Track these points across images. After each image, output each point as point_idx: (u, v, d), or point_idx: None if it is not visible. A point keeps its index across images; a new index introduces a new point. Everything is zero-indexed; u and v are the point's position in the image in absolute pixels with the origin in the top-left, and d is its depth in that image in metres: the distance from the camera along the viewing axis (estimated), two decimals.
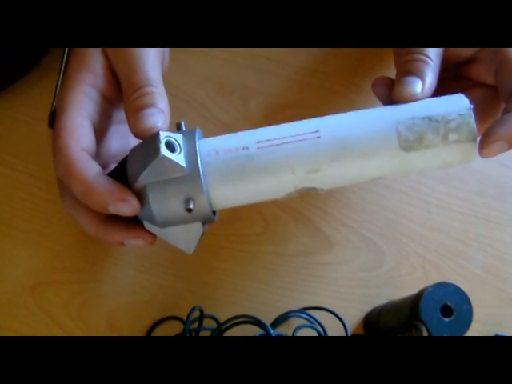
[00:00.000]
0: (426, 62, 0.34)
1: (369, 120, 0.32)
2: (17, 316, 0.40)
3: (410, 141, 0.31)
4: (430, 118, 0.31)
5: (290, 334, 0.41)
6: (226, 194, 0.32)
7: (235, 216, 0.44)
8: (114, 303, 0.41)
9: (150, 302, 0.41)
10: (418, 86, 0.33)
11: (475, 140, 0.31)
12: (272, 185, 0.32)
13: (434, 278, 0.44)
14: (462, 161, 0.32)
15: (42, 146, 0.43)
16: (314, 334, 0.40)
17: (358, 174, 0.32)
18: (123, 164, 0.33)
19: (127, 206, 0.31)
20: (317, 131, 0.32)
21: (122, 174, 0.33)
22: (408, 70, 0.34)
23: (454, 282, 0.36)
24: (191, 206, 0.31)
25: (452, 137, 0.31)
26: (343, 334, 0.41)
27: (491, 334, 0.44)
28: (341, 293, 0.43)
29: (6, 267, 0.41)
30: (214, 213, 0.34)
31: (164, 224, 0.32)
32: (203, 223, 0.33)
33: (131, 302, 0.41)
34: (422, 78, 0.33)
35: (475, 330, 0.42)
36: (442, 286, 0.36)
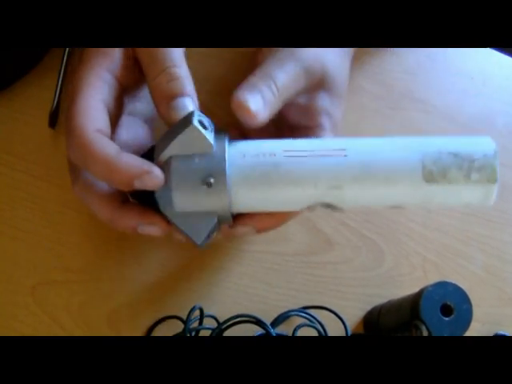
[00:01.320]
0: (270, 89, 0.34)
1: (396, 148, 0.32)
2: (17, 316, 0.40)
3: (434, 173, 0.31)
4: (455, 155, 0.31)
5: (291, 334, 0.41)
6: (246, 197, 0.33)
7: None
8: (114, 303, 0.41)
9: (150, 301, 0.41)
10: (256, 102, 0.33)
11: (496, 182, 0.32)
12: (293, 195, 0.33)
13: (433, 278, 0.44)
14: (480, 201, 0.33)
15: (42, 146, 0.43)
16: (315, 333, 0.40)
17: (378, 199, 0.33)
18: (150, 151, 0.33)
19: (153, 178, 0.31)
20: (344, 150, 0.32)
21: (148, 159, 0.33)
22: (253, 84, 0.34)
23: (453, 282, 0.36)
24: (211, 181, 0.31)
25: (474, 176, 0.31)
26: (343, 334, 0.41)
27: (491, 333, 0.44)
28: (341, 292, 0.43)
29: (6, 267, 0.41)
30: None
31: (181, 205, 0.32)
32: (218, 219, 0.33)
33: (131, 301, 0.41)
34: (263, 98, 0.33)
35: (475, 329, 0.42)
36: (442, 286, 0.36)
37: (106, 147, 0.31)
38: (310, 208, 0.33)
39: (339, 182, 0.32)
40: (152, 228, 0.33)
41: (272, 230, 0.37)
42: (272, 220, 0.36)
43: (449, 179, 0.31)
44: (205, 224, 0.33)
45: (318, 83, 0.37)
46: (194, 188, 0.32)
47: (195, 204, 0.32)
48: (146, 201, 0.33)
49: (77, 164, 0.32)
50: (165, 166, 0.32)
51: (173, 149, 0.31)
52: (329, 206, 0.33)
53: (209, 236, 0.33)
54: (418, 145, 0.32)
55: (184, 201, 0.32)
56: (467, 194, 0.32)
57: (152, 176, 0.31)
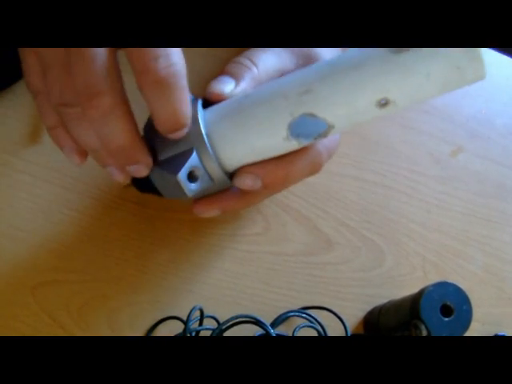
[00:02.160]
0: (247, 67, 0.35)
1: (357, 48, 0.31)
2: (17, 316, 0.40)
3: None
4: None
5: (290, 334, 0.41)
6: (224, 133, 0.33)
7: (236, 216, 0.44)
8: (114, 303, 0.41)
9: (150, 301, 0.41)
10: (228, 86, 0.34)
11: None
12: (267, 114, 0.32)
13: (433, 278, 0.44)
14: (466, 54, 0.29)
15: (44, 146, 0.43)
16: (314, 333, 0.40)
17: (354, 91, 0.30)
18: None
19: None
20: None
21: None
22: (227, 70, 0.35)
23: (453, 282, 0.36)
24: None
25: None
26: (343, 334, 0.41)
27: (491, 333, 0.44)
28: (341, 292, 0.43)
29: (7, 267, 0.41)
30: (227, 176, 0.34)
31: (162, 152, 0.33)
32: (197, 151, 0.33)
33: (131, 301, 0.41)
34: (237, 80, 0.34)
35: (475, 329, 0.42)
36: (442, 286, 0.36)
37: (133, 117, 0.31)
38: (293, 131, 0.32)
39: (307, 86, 0.31)
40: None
41: (281, 183, 0.35)
42: (275, 167, 0.34)
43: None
44: (182, 158, 0.32)
45: (304, 62, 0.37)
46: None
47: (172, 145, 0.32)
48: None
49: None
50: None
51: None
52: (311, 119, 0.31)
53: (194, 176, 0.33)
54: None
55: (162, 145, 0.33)
56: (445, 51, 0.29)
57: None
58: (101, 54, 0.30)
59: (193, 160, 0.32)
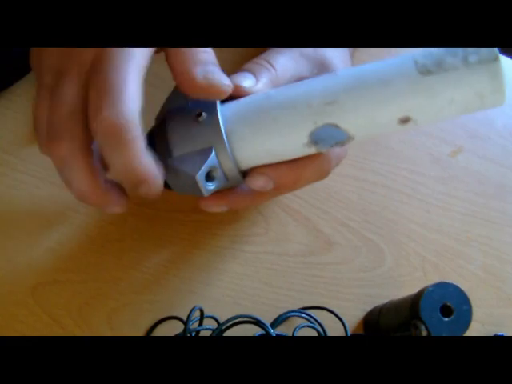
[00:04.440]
0: (266, 68, 0.35)
1: (387, 61, 0.31)
2: (17, 316, 0.40)
3: (428, 65, 0.30)
4: (447, 49, 0.30)
5: (290, 334, 0.41)
6: (243, 134, 0.32)
7: (236, 216, 0.44)
8: (114, 303, 0.41)
9: (150, 301, 0.41)
10: (247, 81, 0.34)
11: (499, 59, 0.29)
12: (289, 121, 0.32)
13: (433, 278, 0.44)
14: (490, 85, 0.30)
15: None
16: (314, 333, 0.40)
17: (379, 107, 0.31)
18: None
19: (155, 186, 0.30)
20: (335, 73, 0.32)
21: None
22: (245, 68, 0.35)
23: (453, 282, 0.36)
24: (203, 114, 0.32)
25: (472, 58, 0.29)
26: (343, 334, 0.41)
27: (491, 333, 0.44)
28: (341, 293, 0.43)
29: (6, 267, 0.41)
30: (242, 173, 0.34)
31: (176, 146, 0.32)
32: (216, 151, 0.32)
33: (131, 301, 0.41)
34: (257, 78, 0.34)
35: (475, 329, 0.42)
36: (442, 286, 0.36)
37: (140, 139, 0.29)
38: (313, 138, 0.32)
39: (333, 97, 0.31)
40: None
41: (291, 186, 0.36)
42: (288, 170, 0.34)
43: (445, 68, 0.30)
44: (200, 157, 0.32)
45: (319, 71, 0.37)
46: (187, 124, 0.32)
47: (190, 142, 0.32)
48: None
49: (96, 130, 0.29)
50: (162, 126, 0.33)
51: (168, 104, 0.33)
52: (333, 128, 0.31)
53: (211, 176, 0.33)
54: (408, 53, 0.31)
55: (178, 139, 0.32)
56: (470, 79, 0.30)
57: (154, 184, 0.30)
58: (70, 92, 0.29)
59: (212, 160, 0.32)
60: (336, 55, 0.38)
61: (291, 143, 0.33)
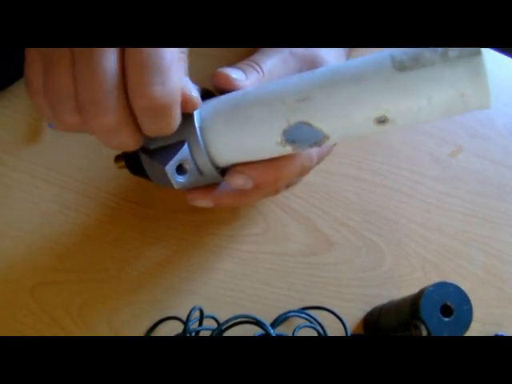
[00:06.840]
0: (255, 70, 0.35)
1: (364, 58, 0.30)
2: (17, 316, 0.40)
3: (405, 61, 0.28)
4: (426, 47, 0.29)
5: (290, 334, 0.41)
6: (218, 129, 0.32)
7: (235, 216, 0.44)
8: (114, 303, 0.41)
9: (149, 302, 0.41)
10: (237, 73, 0.34)
11: (480, 54, 0.27)
12: (263, 116, 0.31)
13: (433, 278, 0.44)
14: (472, 82, 0.27)
15: (42, 147, 0.43)
16: (314, 333, 0.40)
17: (352, 105, 0.29)
18: None
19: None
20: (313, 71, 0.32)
21: None
22: (236, 66, 0.35)
23: (454, 282, 0.36)
24: None
25: (452, 53, 0.27)
26: (343, 334, 0.41)
27: (491, 333, 0.44)
28: (341, 293, 0.43)
29: (6, 267, 0.41)
30: (218, 170, 0.34)
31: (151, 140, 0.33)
32: (189, 145, 0.32)
33: (131, 301, 0.41)
34: (246, 76, 0.34)
35: (475, 329, 0.42)
36: (443, 286, 0.36)
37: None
38: (288, 137, 0.31)
39: (306, 94, 0.30)
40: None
41: (271, 185, 0.36)
42: (267, 169, 0.34)
43: (422, 63, 0.28)
44: (173, 150, 0.32)
45: (309, 69, 0.37)
46: None
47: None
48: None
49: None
50: None
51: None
52: (306, 127, 0.30)
53: (183, 169, 0.33)
54: (386, 50, 0.30)
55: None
56: (448, 76, 0.27)
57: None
58: (110, 62, 0.29)
59: (183, 153, 0.32)
60: (329, 53, 0.38)
61: (264, 141, 0.32)
